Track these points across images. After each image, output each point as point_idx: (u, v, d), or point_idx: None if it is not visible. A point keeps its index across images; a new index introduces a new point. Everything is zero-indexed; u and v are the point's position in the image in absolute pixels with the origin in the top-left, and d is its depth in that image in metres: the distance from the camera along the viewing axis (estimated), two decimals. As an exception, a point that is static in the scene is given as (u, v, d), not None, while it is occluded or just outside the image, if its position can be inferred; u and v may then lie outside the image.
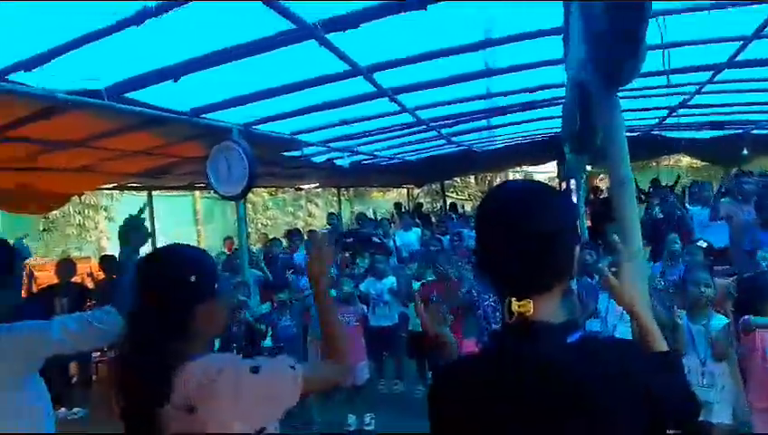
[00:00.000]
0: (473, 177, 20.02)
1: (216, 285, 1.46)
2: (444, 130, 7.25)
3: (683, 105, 6.40)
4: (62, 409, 5.77)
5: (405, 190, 18.50)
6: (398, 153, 9.11)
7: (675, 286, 4.54)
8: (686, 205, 7.73)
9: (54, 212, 11.50)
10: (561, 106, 6.63)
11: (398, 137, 7.42)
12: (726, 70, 4.67)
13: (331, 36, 3.27)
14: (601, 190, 13.42)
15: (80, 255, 13.00)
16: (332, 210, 12.71)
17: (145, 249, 2.05)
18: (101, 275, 7.13)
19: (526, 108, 6.37)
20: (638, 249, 2.16)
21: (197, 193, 14.29)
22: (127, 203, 12.98)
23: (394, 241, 8.11)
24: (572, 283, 4.04)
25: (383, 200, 22.42)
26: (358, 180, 13.14)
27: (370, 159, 8.91)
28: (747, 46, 4.12)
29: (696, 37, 4.12)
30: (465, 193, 20.51)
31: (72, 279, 6.47)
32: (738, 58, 4.39)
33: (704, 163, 14.00)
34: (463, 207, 14.67)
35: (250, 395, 1.30)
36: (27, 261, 6.43)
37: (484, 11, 3.70)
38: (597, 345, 1.09)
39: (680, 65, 4.58)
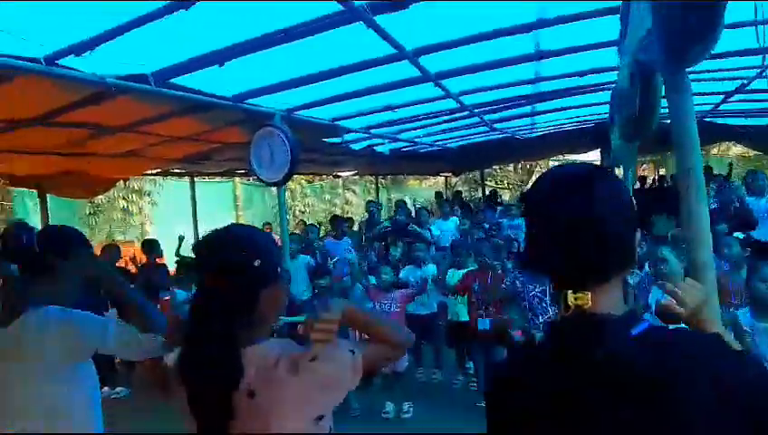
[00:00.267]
0: (512, 165, 19.73)
1: (279, 269, 1.42)
2: (486, 117, 7.10)
3: (740, 90, 6.11)
4: (105, 388, 5.91)
5: (442, 179, 18.35)
6: (439, 140, 9.00)
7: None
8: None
9: (100, 197, 11.78)
10: (607, 92, 6.45)
11: (440, 123, 7.31)
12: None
13: (378, 18, 3.19)
14: (653, 179, 13.04)
15: (123, 239, 13.33)
16: (371, 198, 12.68)
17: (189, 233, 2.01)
18: (144, 259, 7.27)
19: (573, 93, 6.19)
20: (705, 244, 2.04)
21: (237, 179, 14.45)
22: (170, 188, 13.23)
23: (430, 230, 8.02)
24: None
25: (420, 188, 22.33)
26: (396, 168, 13.07)
27: (410, 146, 8.82)
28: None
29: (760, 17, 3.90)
30: (505, 182, 20.23)
31: (117, 263, 6.57)
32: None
33: (756, 152, 13.46)
34: (501, 196, 14.44)
35: (309, 383, 1.27)
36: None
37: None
38: (666, 338, 1.01)
39: (740, 47, 4.37)
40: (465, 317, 5.32)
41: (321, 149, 7.81)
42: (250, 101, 4.88)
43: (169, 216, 12.86)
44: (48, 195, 7.27)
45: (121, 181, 8.11)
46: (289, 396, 1.25)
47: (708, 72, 5.33)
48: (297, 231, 9.36)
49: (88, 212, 13.41)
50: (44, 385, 1.74)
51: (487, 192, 14.64)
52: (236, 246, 1.35)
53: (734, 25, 3.45)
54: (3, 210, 11.98)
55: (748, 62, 5.10)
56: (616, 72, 5.08)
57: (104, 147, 5.71)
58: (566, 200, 1.00)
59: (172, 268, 7.15)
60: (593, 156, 15.78)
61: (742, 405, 0.90)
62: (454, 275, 5.44)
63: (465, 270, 5.32)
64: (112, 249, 6.52)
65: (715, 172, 11.93)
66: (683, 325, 1.38)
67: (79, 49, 3.16)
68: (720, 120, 9.33)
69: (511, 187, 20.12)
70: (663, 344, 0.96)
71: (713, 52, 2.44)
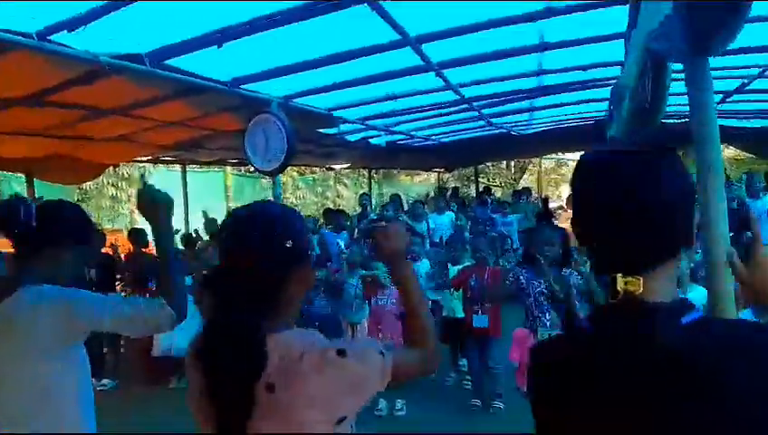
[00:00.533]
0: (504, 163, 19.70)
1: (308, 250, 1.33)
2: (485, 111, 7.03)
3: (740, 90, 6.08)
4: (93, 380, 5.80)
5: (434, 175, 18.28)
6: (434, 134, 8.92)
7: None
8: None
9: (89, 183, 11.60)
10: (607, 88, 6.40)
11: (437, 116, 7.23)
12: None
13: (383, 2, 3.10)
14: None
15: (112, 227, 13.14)
16: (363, 191, 12.58)
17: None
18: (126, 248, 7.13)
19: (574, 88, 6.12)
20: (724, 241, 1.97)
21: (228, 169, 14.30)
22: (159, 176, 13.05)
23: (427, 223, 7.95)
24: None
25: (411, 184, 22.25)
26: (389, 162, 12.97)
27: (407, 139, 8.74)
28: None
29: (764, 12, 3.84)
30: (497, 180, 20.20)
31: (102, 250, 6.45)
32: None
33: (748, 155, 13.50)
34: (494, 193, 14.41)
35: (335, 381, 1.16)
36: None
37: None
38: (717, 328, 0.97)
39: (744, 44, 4.32)
40: (460, 313, 5.25)
41: (315, 139, 7.70)
42: (246, 86, 4.77)
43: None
44: (35, 180, 7.10)
45: (111, 167, 7.93)
46: (311, 394, 1.15)
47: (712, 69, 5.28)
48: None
49: (76, 199, 13.20)
50: (36, 365, 1.64)
51: (482, 187, 14.60)
52: (268, 224, 1.25)
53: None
54: (-12, 194, 11.77)
55: (750, 60, 5.05)
56: (619, 66, 5.03)
57: (96, 130, 5.57)
58: (627, 179, 0.95)
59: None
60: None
61: None
62: (451, 271, 5.36)
63: (461, 265, 5.24)
64: (97, 236, 6.37)
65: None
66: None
67: (72, 24, 3.04)
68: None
69: (503, 184, 20.10)
70: (713, 335, 0.92)
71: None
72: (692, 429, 0.87)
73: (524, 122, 8.86)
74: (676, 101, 6.66)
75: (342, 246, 6.72)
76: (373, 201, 11.82)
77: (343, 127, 6.82)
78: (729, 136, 10.03)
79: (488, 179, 19.86)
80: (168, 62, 3.90)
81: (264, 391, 1.14)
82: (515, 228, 9.98)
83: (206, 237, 8.00)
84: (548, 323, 3.60)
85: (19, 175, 7.64)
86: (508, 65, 4.92)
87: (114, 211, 14.01)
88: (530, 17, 3.67)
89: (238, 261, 1.21)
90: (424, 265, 5.67)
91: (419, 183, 21.80)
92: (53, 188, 8.14)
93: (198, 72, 4.25)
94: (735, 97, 6.68)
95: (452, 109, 6.68)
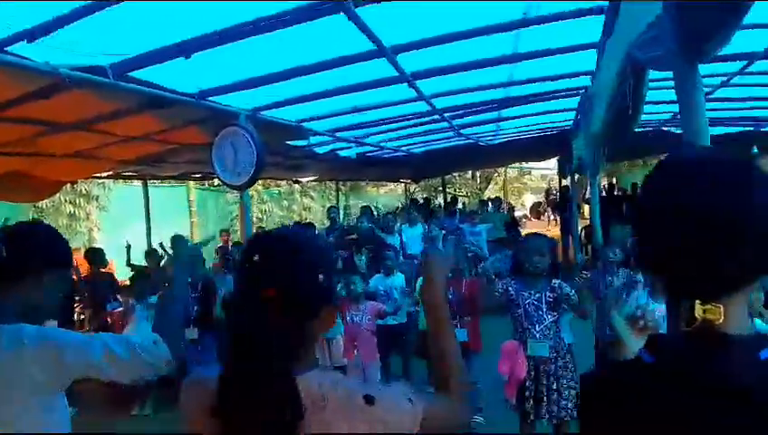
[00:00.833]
0: (470, 172, 19.84)
1: (336, 287, 1.23)
2: (455, 122, 7.02)
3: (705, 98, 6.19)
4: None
5: (401, 185, 18.27)
6: (404, 145, 8.89)
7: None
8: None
9: (45, 201, 11.17)
10: (575, 98, 6.47)
11: (408, 127, 7.19)
12: (763, 60, 4.47)
13: (360, 11, 3.03)
14: (603, 187, 13.25)
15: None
16: (331, 204, 12.44)
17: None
18: (84, 267, 6.84)
19: (543, 98, 6.16)
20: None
21: (191, 183, 13.98)
22: (119, 192, 12.68)
23: (400, 235, 7.88)
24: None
25: (378, 195, 22.19)
26: (358, 174, 12.88)
27: (376, 150, 8.67)
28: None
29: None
30: (463, 190, 20.31)
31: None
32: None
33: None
34: (464, 203, 14.45)
35: (362, 429, 1.06)
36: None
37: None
38: None
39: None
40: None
41: (282, 152, 7.57)
42: (213, 98, 4.62)
43: (119, 221, 12.30)
44: (-13, 199, 6.77)
45: (69, 184, 7.63)
46: None
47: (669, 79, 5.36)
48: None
49: (31, 217, 12.69)
50: (16, 420, 1.43)
51: (450, 197, 14.62)
52: (301, 255, 1.13)
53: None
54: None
55: (714, 69, 5.14)
56: (589, 76, 5.08)
57: (53, 146, 5.33)
58: (714, 193, 0.83)
59: (123, 278, 6.74)
60: (551, 164, 16.02)
61: None
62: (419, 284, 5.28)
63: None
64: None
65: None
66: None
67: (32, 35, 2.87)
68: (676, 130, 9.53)
69: (469, 194, 20.21)
70: None
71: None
72: None
73: (492, 133, 8.90)
74: (647, 109, 6.78)
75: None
76: (341, 214, 11.70)
77: (313, 139, 6.71)
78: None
79: (455, 190, 19.96)
80: (132, 74, 3.75)
81: None
82: (484, 238, 10.00)
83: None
84: (538, 335, 3.54)
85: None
86: (480, 76, 4.91)
87: (71, 229, 13.49)
88: (505, 27, 3.65)
89: (265, 295, 1.08)
90: (399, 279, 5.58)
91: (386, 194, 21.78)
92: (7, 208, 7.79)
93: (164, 84, 4.10)
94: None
95: (423, 120, 6.64)
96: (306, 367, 1.13)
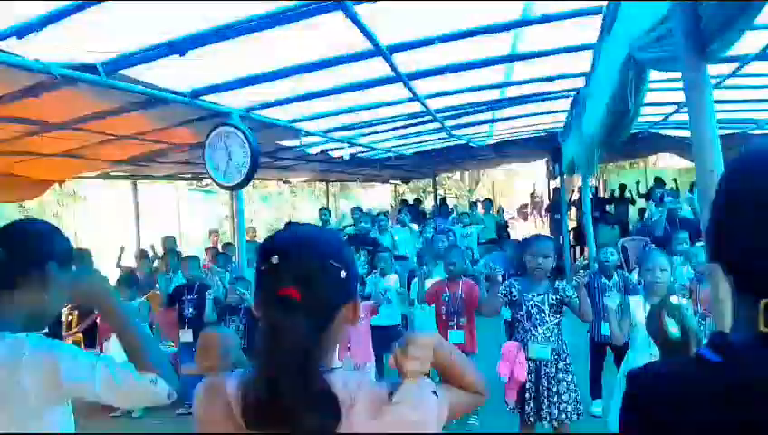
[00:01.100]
0: (458, 173, 19.86)
1: (357, 283, 1.18)
2: (446, 122, 7.00)
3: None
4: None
5: (390, 186, 18.24)
6: (396, 146, 8.86)
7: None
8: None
9: (30, 201, 10.98)
10: (567, 98, 6.48)
11: (400, 128, 7.16)
12: (756, 62, 4.49)
13: (358, 9, 2.99)
14: (597, 189, 13.28)
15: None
16: (321, 204, 12.38)
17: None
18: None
19: (537, 99, 6.16)
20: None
21: (179, 183, 13.84)
22: (107, 192, 12.52)
23: (392, 236, 7.84)
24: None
25: (365, 196, 22.13)
26: (348, 175, 12.84)
27: (368, 151, 8.64)
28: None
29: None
30: (452, 190, 20.32)
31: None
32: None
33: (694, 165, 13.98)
34: (455, 205, 14.42)
35: (392, 429, 1.03)
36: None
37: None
38: None
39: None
40: (427, 329, 5.14)
41: (273, 152, 7.51)
42: (205, 98, 4.56)
43: (107, 222, 12.16)
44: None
45: (57, 184, 7.50)
46: None
47: (660, 81, 5.36)
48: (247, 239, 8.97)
49: (18, 218, 12.47)
50: (10, 431, 1.36)
51: (439, 199, 14.60)
52: (322, 251, 1.08)
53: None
54: None
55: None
56: (582, 77, 5.07)
57: (41, 145, 5.23)
58: None
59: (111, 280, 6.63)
60: (539, 164, 16.06)
61: None
62: (413, 285, 5.25)
63: (430, 279, 5.12)
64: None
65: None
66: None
67: (21, 31, 2.79)
68: (664, 132, 9.59)
69: (458, 196, 20.23)
70: None
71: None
72: None
73: (483, 133, 8.89)
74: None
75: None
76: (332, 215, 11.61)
77: (305, 139, 6.66)
78: (682, 146, 10.36)
79: (444, 191, 19.98)
80: (124, 72, 3.68)
81: None
82: (475, 240, 9.99)
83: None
84: (539, 338, 3.50)
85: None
86: (474, 76, 4.89)
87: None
88: (502, 27, 3.63)
89: (287, 294, 1.03)
90: (393, 280, 5.55)
91: (374, 195, 21.72)
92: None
93: (156, 83, 4.04)
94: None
95: (415, 120, 6.62)
96: (329, 366, 1.09)
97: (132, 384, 1.42)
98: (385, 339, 5.48)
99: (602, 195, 15.18)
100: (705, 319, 3.49)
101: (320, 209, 9.57)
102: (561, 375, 3.48)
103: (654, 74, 3.13)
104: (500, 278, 3.67)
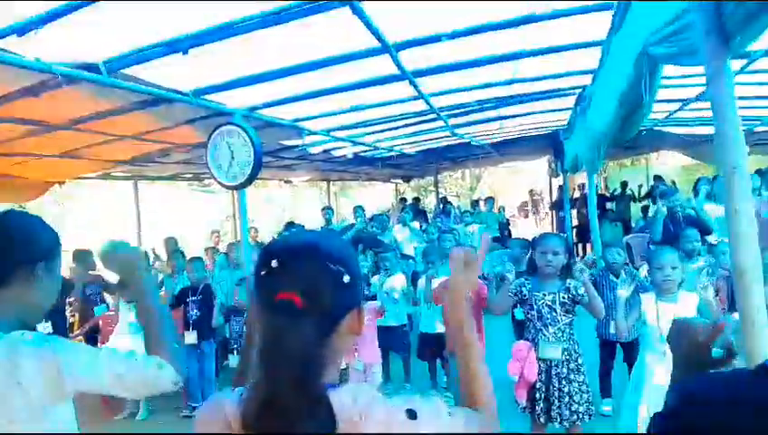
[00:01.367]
0: (460, 172, 19.80)
1: (362, 289, 1.12)
2: (450, 121, 6.94)
3: (700, 98, 6.18)
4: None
5: (390, 185, 18.17)
6: (398, 145, 8.81)
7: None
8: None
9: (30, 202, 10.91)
10: (572, 96, 6.43)
11: (403, 127, 7.11)
12: (765, 58, 4.43)
13: (365, 6, 2.93)
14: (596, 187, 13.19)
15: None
16: (322, 204, 12.32)
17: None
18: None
19: (542, 97, 6.11)
20: (750, 246, 1.88)
21: (180, 183, 13.77)
22: (108, 193, 12.46)
23: (394, 235, 7.79)
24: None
25: (366, 195, 22.05)
26: (350, 174, 12.77)
27: (370, 150, 8.59)
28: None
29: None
30: (454, 189, 20.26)
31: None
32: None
33: (695, 162, 13.93)
34: (459, 206, 14.35)
35: None
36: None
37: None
38: None
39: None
40: (435, 328, 5.09)
41: (275, 152, 7.46)
42: (208, 97, 4.51)
43: (107, 223, 12.10)
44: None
45: (57, 185, 7.45)
46: None
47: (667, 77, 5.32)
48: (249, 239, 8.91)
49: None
50: (9, 430, 1.31)
51: (440, 197, 14.54)
52: (324, 255, 1.02)
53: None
54: None
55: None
56: (589, 75, 5.02)
57: (41, 146, 5.18)
58: None
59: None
60: (538, 162, 15.98)
61: None
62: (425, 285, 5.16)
63: (434, 278, 5.03)
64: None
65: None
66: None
67: (22, 29, 2.74)
68: (668, 128, 9.54)
69: (460, 194, 20.16)
70: None
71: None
72: None
73: (486, 132, 8.84)
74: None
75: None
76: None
77: (307, 138, 6.61)
78: (684, 143, 10.32)
79: (445, 189, 19.91)
80: (126, 71, 3.62)
81: None
82: (478, 238, 9.94)
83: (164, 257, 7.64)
84: (550, 337, 3.43)
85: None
86: (479, 74, 4.84)
87: (58, 231, 13.23)
88: (509, 24, 3.58)
89: (286, 300, 0.98)
90: (399, 280, 5.50)
91: (374, 194, 21.65)
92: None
93: (158, 82, 3.98)
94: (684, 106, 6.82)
95: (419, 119, 6.57)
96: (334, 377, 1.04)
97: (137, 370, 1.39)
98: (391, 339, 5.45)
99: (603, 192, 15.12)
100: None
101: (322, 208, 9.51)
102: (572, 376, 3.42)
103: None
104: (511, 277, 3.61)
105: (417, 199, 14.37)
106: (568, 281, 3.47)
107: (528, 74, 5.03)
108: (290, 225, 8.67)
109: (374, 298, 5.18)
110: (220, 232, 10.39)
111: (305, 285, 0.98)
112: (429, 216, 13.11)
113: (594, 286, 3.71)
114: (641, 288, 4.43)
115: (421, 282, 5.17)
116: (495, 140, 9.98)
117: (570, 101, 6.55)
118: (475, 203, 12.29)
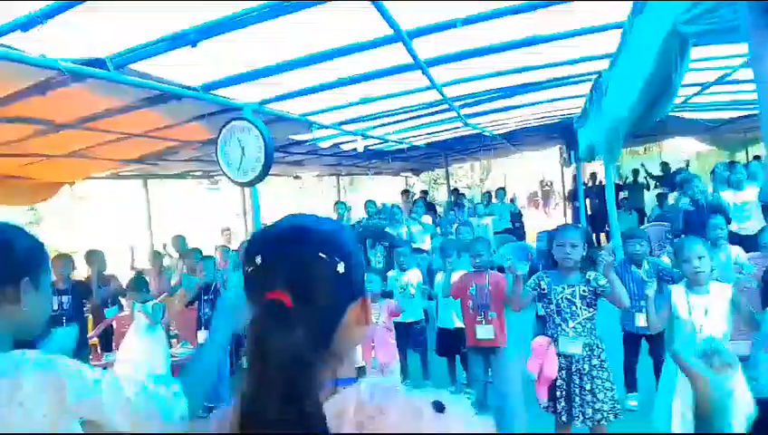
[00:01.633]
0: (469, 163, 19.63)
1: (364, 277, 1.00)
2: (463, 112, 6.82)
3: (719, 81, 6.02)
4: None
5: (400, 178, 18.04)
6: (409, 138, 8.70)
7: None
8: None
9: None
10: (578, 83, 6.28)
11: (414, 119, 7.00)
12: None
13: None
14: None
15: (66, 250, 12.39)
16: (333, 198, 12.21)
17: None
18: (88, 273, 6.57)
19: (554, 85, 5.97)
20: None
21: (190, 180, 13.72)
22: (118, 191, 12.43)
23: (409, 229, 7.67)
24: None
25: (375, 189, 21.93)
26: (359, 168, 12.67)
27: (381, 143, 8.48)
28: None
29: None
30: (464, 181, 20.11)
31: (71, 275, 5.65)
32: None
33: (711, 148, 13.71)
34: (471, 198, 14.19)
35: None
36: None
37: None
38: None
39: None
40: (453, 323, 4.98)
41: (285, 147, 7.38)
42: (217, 92, 4.42)
43: (117, 222, 12.08)
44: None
45: (68, 186, 7.39)
46: None
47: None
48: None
49: (29, 221, 12.43)
50: None
51: (451, 189, 14.40)
52: (312, 242, 0.92)
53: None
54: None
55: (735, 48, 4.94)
56: (607, 58, 4.87)
57: (50, 146, 5.11)
58: None
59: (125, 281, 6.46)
60: (548, 151, 15.82)
61: None
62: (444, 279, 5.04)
63: (452, 272, 4.90)
64: (64, 260, 5.58)
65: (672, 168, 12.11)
66: None
67: (26, 24, 2.65)
68: (680, 114, 9.34)
69: (470, 186, 20.01)
70: None
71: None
72: None
73: (498, 122, 8.70)
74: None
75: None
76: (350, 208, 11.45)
77: (318, 132, 6.51)
78: (700, 129, 10.13)
79: (455, 181, 19.77)
80: (134, 66, 3.54)
81: None
82: (491, 230, 9.82)
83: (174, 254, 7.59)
84: (570, 332, 3.31)
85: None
86: (493, 62, 4.71)
87: (69, 231, 13.25)
88: (528, 8, 3.45)
89: (274, 297, 0.87)
90: (414, 275, 5.39)
91: (385, 188, 21.53)
92: None
93: (167, 77, 3.89)
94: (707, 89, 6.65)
95: (431, 110, 6.45)
96: (343, 377, 0.92)
97: (146, 394, 1.30)
98: (408, 336, 5.34)
99: (616, 181, 14.93)
100: None
101: (335, 203, 9.40)
102: (595, 372, 3.28)
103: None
104: (519, 275, 3.49)
105: (425, 193, 14.22)
106: (588, 273, 3.33)
107: (542, 61, 4.89)
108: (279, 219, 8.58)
109: (390, 294, 5.07)
110: (230, 229, 10.29)
111: (294, 282, 0.87)
112: (439, 209, 13.01)
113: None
114: (666, 275, 4.32)
115: (439, 276, 5.06)
116: (507, 130, 9.84)
117: (584, 88, 6.41)
118: (486, 195, 12.13)
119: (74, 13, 2.70)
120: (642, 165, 12.51)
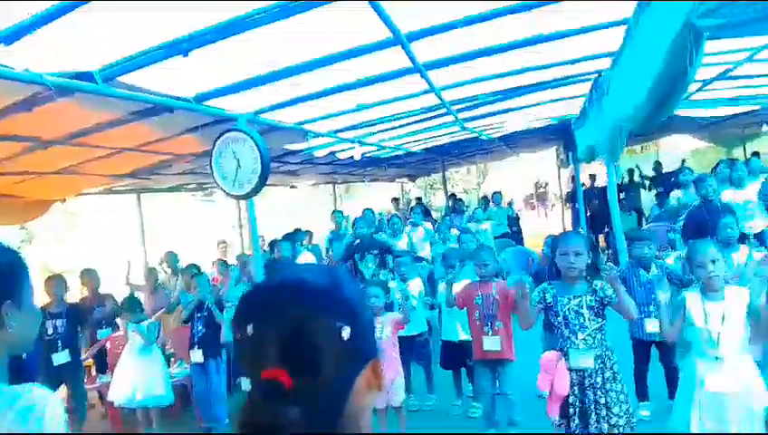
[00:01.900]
0: (466, 168, 19.54)
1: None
2: (461, 115, 6.71)
3: (721, 77, 5.92)
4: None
5: (396, 185, 17.92)
6: (405, 143, 8.59)
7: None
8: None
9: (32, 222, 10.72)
10: (586, 82, 6.18)
11: (411, 124, 6.89)
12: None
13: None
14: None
15: (57, 268, 12.20)
16: (334, 208, 12.04)
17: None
18: (84, 292, 6.40)
19: (553, 86, 5.87)
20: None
21: (183, 193, 13.56)
22: (111, 207, 12.27)
23: (410, 238, 7.54)
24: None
25: (371, 196, 21.77)
26: (354, 176, 12.54)
27: (376, 151, 8.37)
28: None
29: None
30: (461, 185, 19.99)
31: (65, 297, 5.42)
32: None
33: (708, 145, 13.66)
34: (469, 204, 14.06)
35: None
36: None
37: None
38: None
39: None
40: (458, 335, 4.85)
41: (279, 157, 7.24)
42: (211, 103, 4.29)
43: (110, 238, 11.91)
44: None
45: (59, 203, 7.23)
46: None
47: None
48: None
49: (21, 239, 12.24)
50: None
51: (449, 194, 14.28)
52: (308, 308, 0.78)
53: None
54: None
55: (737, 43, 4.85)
56: (608, 57, 4.77)
57: (39, 163, 4.96)
58: None
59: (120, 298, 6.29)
60: (543, 153, 15.71)
61: None
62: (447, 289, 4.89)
63: (454, 282, 4.76)
64: (57, 281, 5.39)
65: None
66: None
67: (9, 37, 2.52)
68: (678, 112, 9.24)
69: (467, 190, 19.89)
70: None
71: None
72: None
73: (495, 125, 8.60)
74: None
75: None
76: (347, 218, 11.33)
77: (313, 141, 6.39)
78: (695, 126, 10.06)
79: (452, 185, 19.65)
80: (123, 79, 3.40)
81: None
82: (490, 235, 9.70)
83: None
84: (580, 345, 3.14)
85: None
86: (491, 64, 4.61)
87: (62, 249, 13.06)
88: (527, 7, 3.35)
89: (271, 377, 0.74)
90: (416, 285, 5.26)
91: (381, 194, 21.41)
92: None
93: (157, 89, 3.76)
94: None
95: (428, 115, 6.34)
96: (368, 426, 0.82)
97: None
98: (411, 350, 5.19)
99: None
100: None
101: (332, 212, 9.24)
102: (608, 385, 3.12)
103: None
104: (526, 292, 3.32)
105: (419, 199, 14.10)
106: (594, 282, 3.19)
107: (542, 61, 4.79)
108: (296, 232, 8.44)
109: (390, 307, 4.91)
110: (227, 242, 10.14)
111: (292, 356, 0.75)
112: (435, 214, 12.88)
113: (623, 283, 3.46)
114: (675, 278, 4.21)
115: (441, 287, 4.91)
116: (504, 133, 9.74)
117: (583, 88, 6.30)
118: (485, 199, 12.02)
119: (59, 23, 2.57)
120: (637, 166, 12.44)
